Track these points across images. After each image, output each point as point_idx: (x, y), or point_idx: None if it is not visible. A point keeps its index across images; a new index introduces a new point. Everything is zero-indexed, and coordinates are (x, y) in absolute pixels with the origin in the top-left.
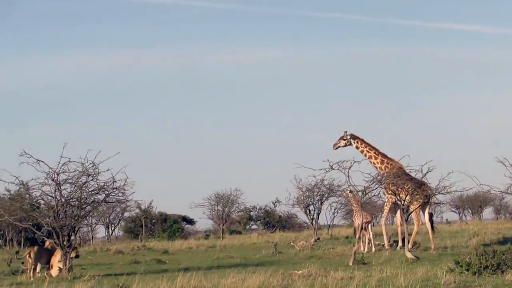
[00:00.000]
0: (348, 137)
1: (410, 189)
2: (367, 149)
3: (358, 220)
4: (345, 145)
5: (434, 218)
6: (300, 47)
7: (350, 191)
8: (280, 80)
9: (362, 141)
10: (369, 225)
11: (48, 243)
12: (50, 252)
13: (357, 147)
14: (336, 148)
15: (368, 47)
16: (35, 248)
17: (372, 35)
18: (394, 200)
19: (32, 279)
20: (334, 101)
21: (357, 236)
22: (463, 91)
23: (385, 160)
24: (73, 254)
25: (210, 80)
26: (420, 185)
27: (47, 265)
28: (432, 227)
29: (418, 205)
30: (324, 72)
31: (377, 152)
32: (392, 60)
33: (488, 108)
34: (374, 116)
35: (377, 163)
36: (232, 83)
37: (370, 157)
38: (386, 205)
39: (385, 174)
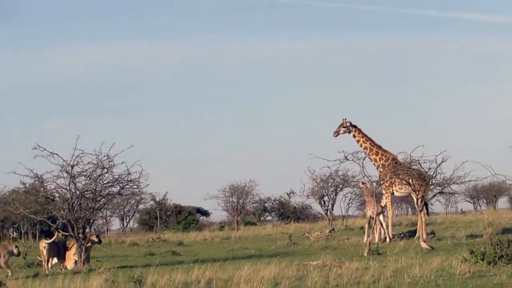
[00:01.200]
0: (348, 124)
1: (424, 179)
2: (364, 139)
3: (370, 211)
4: (344, 132)
5: (448, 209)
6: (311, 39)
7: (363, 183)
8: (293, 71)
9: (360, 131)
10: (381, 215)
11: (56, 236)
12: (58, 245)
13: (354, 136)
14: (337, 135)
15: (382, 38)
16: (48, 239)
17: (386, 26)
18: (392, 191)
19: (47, 271)
20: (347, 91)
21: (371, 227)
22: (478, 80)
23: (380, 152)
24: (94, 238)
25: (223, 72)
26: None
27: (59, 258)
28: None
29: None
30: (338, 63)
31: (373, 143)
32: (405, 51)
33: (504, 97)
34: (388, 107)
35: (372, 154)
36: (244, 75)
37: (365, 148)
38: (387, 197)
39: (399, 164)
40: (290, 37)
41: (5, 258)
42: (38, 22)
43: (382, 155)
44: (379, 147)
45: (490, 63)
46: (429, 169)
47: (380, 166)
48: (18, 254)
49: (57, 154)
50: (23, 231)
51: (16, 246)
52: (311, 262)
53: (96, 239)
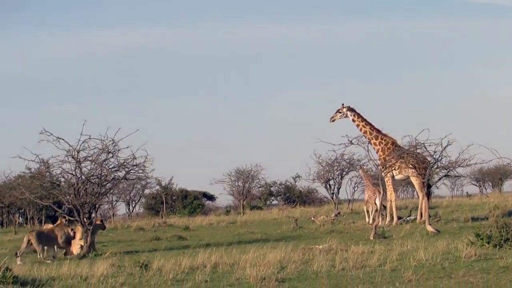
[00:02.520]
0: (345, 110)
1: (430, 162)
2: (363, 123)
3: (367, 195)
4: (341, 118)
5: (454, 192)
6: (316, 21)
7: (361, 167)
8: (299, 55)
9: (359, 115)
10: (377, 199)
11: (59, 222)
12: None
13: (353, 120)
14: (333, 121)
15: (385, 21)
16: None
17: (389, 8)
18: (392, 175)
19: (54, 258)
20: (352, 75)
21: (377, 210)
22: (484, 63)
23: (379, 136)
24: (98, 222)
25: (229, 56)
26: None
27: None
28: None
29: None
30: (343, 46)
31: (372, 127)
32: (412, 33)
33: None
34: (394, 89)
35: (372, 138)
36: (250, 59)
37: (365, 132)
38: (387, 180)
39: (405, 148)
40: (294, 20)
41: (62, 239)
42: (42, 7)
43: (381, 139)
44: (378, 131)
45: (495, 44)
46: (435, 152)
47: (380, 150)
48: (73, 238)
49: (63, 139)
50: (29, 216)
51: (72, 229)
52: (317, 246)
53: (100, 223)
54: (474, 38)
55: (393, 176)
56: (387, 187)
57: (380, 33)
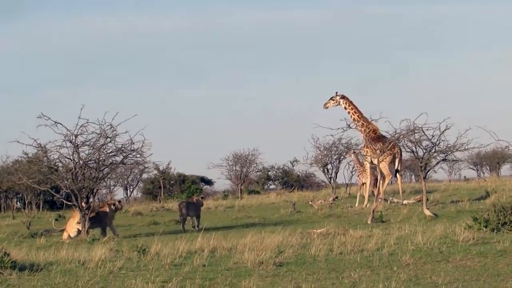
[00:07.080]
0: (338, 97)
1: (427, 146)
2: (353, 111)
3: (361, 179)
4: (334, 105)
5: (451, 176)
6: (315, 6)
7: (354, 152)
8: (295, 39)
9: (350, 102)
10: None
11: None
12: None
13: (345, 108)
14: (326, 108)
15: (382, 5)
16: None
17: None
18: (370, 160)
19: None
20: (351, 59)
21: (375, 194)
22: (482, 47)
23: (365, 123)
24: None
25: (225, 40)
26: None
27: None
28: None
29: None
30: (340, 32)
31: (360, 115)
32: (409, 17)
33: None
34: (392, 73)
35: (359, 125)
36: (247, 43)
37: (354, 119)
38: (366, 165)
39: (402, 132)
40: (294, 4)
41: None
42: None
43: (366, 126)
44: (365, 119)
45: (493, 28)
46: (432, 136)
47: (364, 136)
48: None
49: (61, 124)
50: (26, 201)
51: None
52: (315, 230)
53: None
54: (471, 21)
55: (371, 162)
56: (364, 171)
57: (376, 17)
